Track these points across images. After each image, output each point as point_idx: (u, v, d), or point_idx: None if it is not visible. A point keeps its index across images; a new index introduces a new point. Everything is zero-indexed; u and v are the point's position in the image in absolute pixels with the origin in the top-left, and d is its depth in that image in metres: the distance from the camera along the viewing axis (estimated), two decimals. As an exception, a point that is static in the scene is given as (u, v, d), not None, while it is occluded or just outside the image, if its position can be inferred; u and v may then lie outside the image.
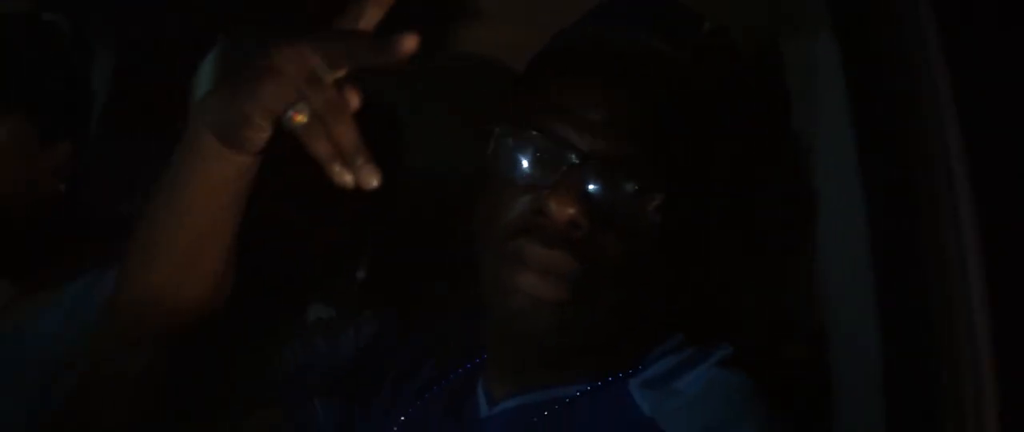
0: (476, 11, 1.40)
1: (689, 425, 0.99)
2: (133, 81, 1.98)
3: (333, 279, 1.58)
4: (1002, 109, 0.93)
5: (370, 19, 0.94)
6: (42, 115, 1.72)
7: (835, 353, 0.92)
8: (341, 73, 0.94)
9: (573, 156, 1.00)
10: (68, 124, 1.77)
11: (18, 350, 1.69)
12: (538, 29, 1.17)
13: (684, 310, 1.09)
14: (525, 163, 1.03)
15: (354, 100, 0.94)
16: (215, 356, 1.14)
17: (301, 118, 0.93)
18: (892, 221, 0.87)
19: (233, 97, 0.96)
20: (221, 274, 1.10)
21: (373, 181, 0.92)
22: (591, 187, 1.01)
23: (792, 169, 1.00)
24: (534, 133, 1.02)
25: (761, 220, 1.05)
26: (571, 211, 1.00)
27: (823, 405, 0.97)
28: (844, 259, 0.91)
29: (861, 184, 0.88)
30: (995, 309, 0.78)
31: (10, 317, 1.71)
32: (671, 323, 1.10)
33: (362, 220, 1.50)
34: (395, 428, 1.17)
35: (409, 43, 0.87)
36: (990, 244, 0.83)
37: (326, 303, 1.33)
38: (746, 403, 1.02)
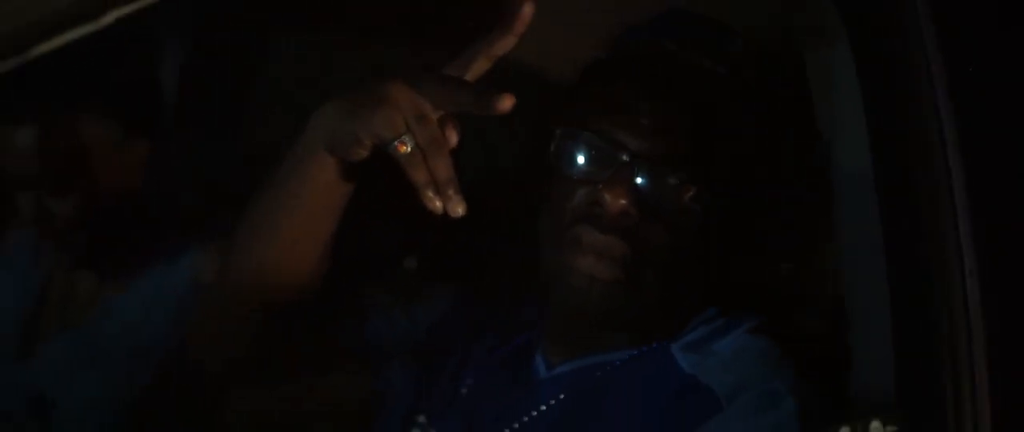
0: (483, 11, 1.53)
1: (725, 378, 1.14)
2: (197, 81, 2.08)
3: (389, 267, 1.74)
4: (995, 108, 1.07)
5: (477, 71, 1.09)
6: (126, 114, 1.82)
7: (852, 324, 1.07)
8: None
9: (624, 155, 1.16)
10: (145, 122, 1.89)
11: (101, 336, 1.79)
12: (568, 33, 1.30)
13: (717, 286, 1.24)
14: (582, 160, 1.18)
15: (453, 137, 1.07)
16: (311, 326, 1.28)
17: (405, 148, 1.05)
18: (900, 209, 1.01)
19: (350, 118, 1.08)
20: (319, 260, 1.23)
21: (459, 210, 1.05)
22: (639, 181, 1.16)
23: (814, 163, 1.15)
24: (591, 135, 1.18)
25: (786, 207, 1.20)
26: (623, 202, 1.15)
27: (839, 371, 1.12)
28: (860, 241, 1.06)
29: (874, 177, 1.03)
30: (986, 287, 0.93)
31: (93, 305, 1.81)
32: (706, 297, 1.25)
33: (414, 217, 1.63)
34: (463, 389, 1.33)
35: (506, 102, 1.00)
36: (983, 231, 0.98)
37: (384, 287, 1.48)
38: (773, 362, 1.17)
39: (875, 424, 0.90)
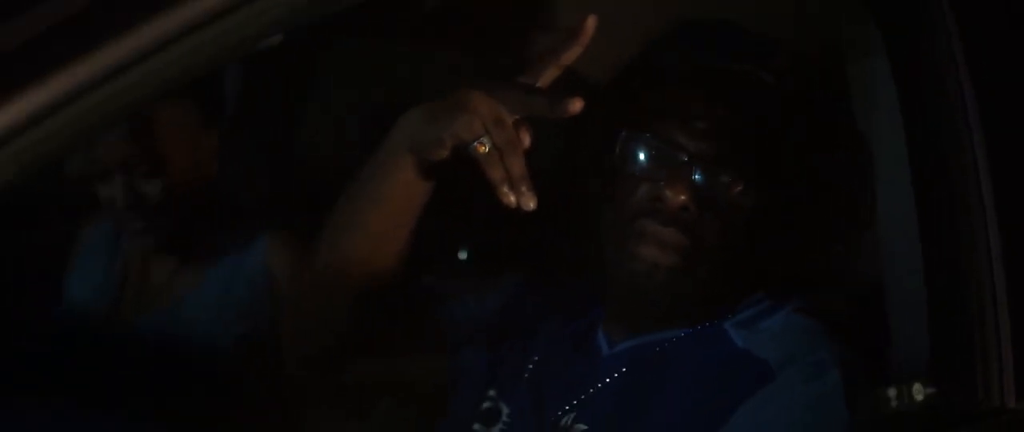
0: (552, 22, 1.67)
1: (777, 351, 1.28)
2: (261, 75, 2.16)
3: (443, 257, 1.85)
4: (1017, 107, 1.21)
5: (548, 78, 1.22)
6: (205, 101, 1.88)
7: (890, 302, 1.21)
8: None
9: (683, 156, 1.30)
10: (219, 110, 1.94)
11: (179, 320, 1.89)
12: (608, 38, 1.43)
13: (765, 270, 1.38)
14: (645, 160, 1.32)
15: (527, 139, 1.20)
16: (394, 310, 1.41)
17: (483, 149, 1.18)
18: (934, 201, 1.15)
19: (434, 122, 1.21)
20: (402, 251, 1.35)
21: (531, 204, 1.18)
22: (696, 179, 1.30)
23: (856, 160, 1.28)
24: (652, 137, 1.32)
25: (826, 200, 1.34)
26: (682, 198, 1.29)
27: (876, 345, 1.26)
28: (898, 230, 1.19)
29: (910, 171, 1.16)
30: (1009, 266, 1.07)
31: (172, 290, 1.91)
32: (754, 281, 1.39)
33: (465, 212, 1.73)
34: (530, 366, 1.46)
35: (576, 106, 1.15)
36: (1007, 218, 1.12)
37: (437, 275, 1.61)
38: (817, 337, 1.30)
39: (917, 386, 1.04)
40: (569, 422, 1.36)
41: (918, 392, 1.04)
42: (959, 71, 1.18)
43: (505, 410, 1.44)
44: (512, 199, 1.18)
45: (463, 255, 1.93)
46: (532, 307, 1.52)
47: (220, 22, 0.68)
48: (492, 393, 1.46)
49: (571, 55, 1.22)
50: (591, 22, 1.20)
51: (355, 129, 1.97)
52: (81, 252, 2.03)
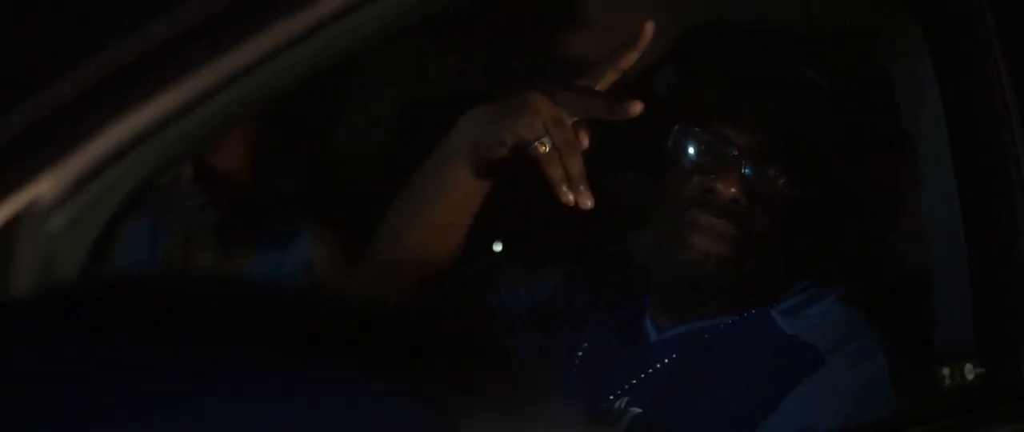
0: (582, 21, 1.72)
1: (825, 337, 1.34)
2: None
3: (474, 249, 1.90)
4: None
5: (607, 81, 1.27)
6: None
7: (935, 288, 1.27)
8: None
9: (733, 150, 1.36)
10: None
11: None
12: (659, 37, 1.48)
13: (809, 259, 1.44)
14: (697, 154, 1.38)
15: (585, 140, 1.25)
16: (448, 299, 1.47)
17: (544, 149, 1.23)
18: (978, 194, 1.21)
19: (496, 121, 1.27)
20: (459, 244, 1.41)
21: (589, 203, 1.24)
22: (745, 173, 1.36)
23: (898, 154, 1.35)
24: (704, 132, 1.38)
25: (872, 191, 1.40)
26: (733, 191, 1.36)
27: (918, 330, 1.32)
28: (943, 221, 1.26)
29: (954, 165, 1.23)
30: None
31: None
32: (799, 270, 1.45)
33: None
34: (580, 353, 1.52)
35: (636, 108, 1.20)
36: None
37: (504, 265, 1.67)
38: (862, 323, 1.37)
39: (968, 366, 1.10)
40: (623, 406, 1.43)
41: (970, 372, 1.10)
42: (999, 67, 1.24)
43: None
44: (570, 198, 1.24)
45: (498, 247, 1.98)
46: (579, 296, 1.58)
47: (348, 18, 0.73)
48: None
49: (629, 60, 1.28)
50: (649, 28, 1.26)
51: (398, 126, 2.02)
52: (118, 250, 2.07)
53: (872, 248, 1.43)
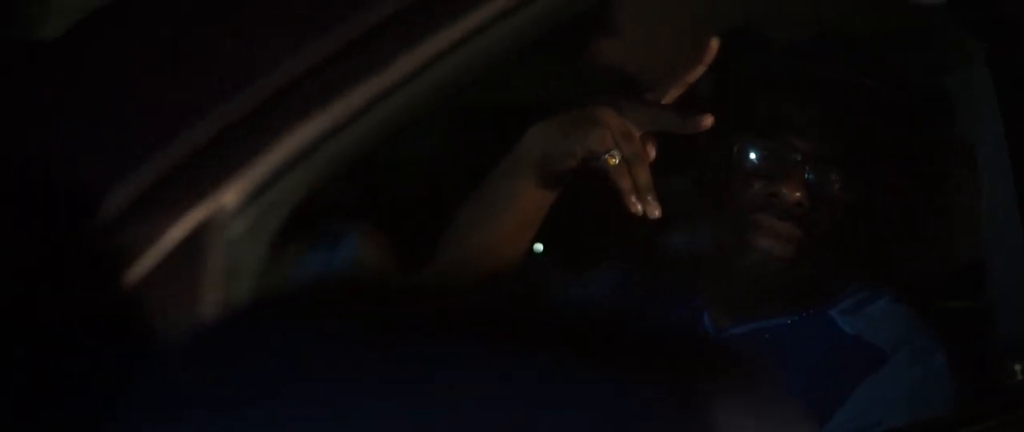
0: (612, 27, 1.76)
1: (886, 336, 1.39)
2: None
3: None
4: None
5: (673, 95, 1.32)
6: None
7: (996, 290, 1.32)
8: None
9: (797, 156, 1.41)
10: None
11: None
12: (663, 42, 1.52)
13: (867, 261, 1.49)
14: (762, 159, 1.43)
15: (652, 152, 1.30)
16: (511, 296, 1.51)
17: (613, 161, 1.28)
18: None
19: (567, 134, 1.31)
20: (523, 248, 1.46)
21: (656, 213, 1.28)
22: (809, 177, 1.41)
23: (955, 160, 1.40)
24: (770, 139, 1.43)
25: (929, 196, 1.45)
26: (798, 195, 1.41)
27: (973, 331, 1.37)
28: (1001, 226, 1.31)
29: (1012, 172, 1.27)
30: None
31: (266, 276, 2.04)
32: (857, 271, 1.50)
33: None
34: (634, 351, 1.57)
35: (707, 120, 1.26)
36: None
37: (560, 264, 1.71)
38: (920, 323, 1.42)
39: (1018, 365, 1.16)
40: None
41: (1019, 372, 1.15)
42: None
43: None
44: (639, 208, 1.29)
45: (539, 248, 2.02)
46: (632, 296, 1.63)
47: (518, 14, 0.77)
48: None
49: (695, 74, 1.33)
50: (714, 44, 1.31)
51: (450, 132, 2.06)
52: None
53: (930, 250, 1.48)
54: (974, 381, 1.32)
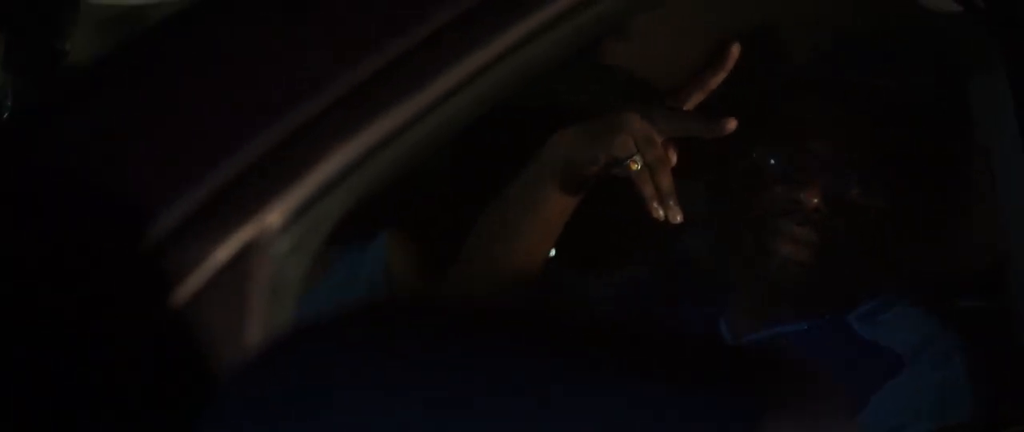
0: (632, 33, 1.77)
1: (904, 342, 1.40)
2: None
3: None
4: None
5: (695, 101, 1.33)
6: None
7: (1015, 296, 1.32)
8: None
9: (818, 162, 1.42)
10: None
11: (300, 309, 2.02)
12: (679, 46, 1.53)
13: (885, 266, 1.50)
14: (782, 164, 1.44)
15: (674, 157, 1.32)
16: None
17: (635, 166, 1.30)
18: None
19: (591, 142, 1.33)
20: (546, 252, 1.47)
21: (678, 218, 1.31)
22: (829, 183, 1.42)
23: (974, 165, 1.41)
24: (790, 144, 1.43)
25: (948, 202, 1.46)
26: (817, 201, 1.41)
27: (992, 337, 1.38)
28: (1019, 232, 1.31)
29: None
30: None
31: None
32: (876, 277, 1.51)
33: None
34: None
35: (731, 124, 1.27)
36: None
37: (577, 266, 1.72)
38: (938, 328, 1.43)
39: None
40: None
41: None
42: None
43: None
44: (661, 213, 1.30)
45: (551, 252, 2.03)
46: (649, 300, 1.63)
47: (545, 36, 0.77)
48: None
49: (717, 81, 1.34)
50: (735, 49, 1.32)
51: (473, 138, 2.07)
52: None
53: (950, 254, 1.49)
54: (997, 385, 1.33)
